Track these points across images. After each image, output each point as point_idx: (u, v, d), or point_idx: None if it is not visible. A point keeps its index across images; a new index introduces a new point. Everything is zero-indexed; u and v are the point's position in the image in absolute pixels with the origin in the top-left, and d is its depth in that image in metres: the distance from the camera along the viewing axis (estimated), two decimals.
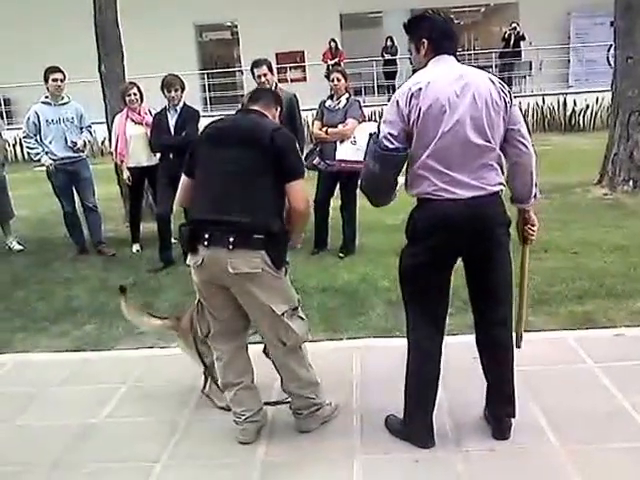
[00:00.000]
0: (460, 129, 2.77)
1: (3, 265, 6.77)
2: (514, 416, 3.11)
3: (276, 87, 6.40)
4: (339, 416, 3.35)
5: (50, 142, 6.60)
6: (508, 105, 2.86)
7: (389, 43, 17.90)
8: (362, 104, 6.29)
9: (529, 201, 3.05)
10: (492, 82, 2.86)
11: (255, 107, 3.10)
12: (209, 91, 17.36)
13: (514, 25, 17.78)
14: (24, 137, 6.79)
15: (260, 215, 2.85)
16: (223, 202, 2.89)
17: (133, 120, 6.63)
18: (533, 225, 3.14)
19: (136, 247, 6.94)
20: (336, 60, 16.81)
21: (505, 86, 2.90)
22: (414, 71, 2.99)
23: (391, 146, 2.82)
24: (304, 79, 18.50)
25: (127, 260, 6.65)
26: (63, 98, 6.73)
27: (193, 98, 16.14)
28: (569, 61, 18.50)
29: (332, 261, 6.13)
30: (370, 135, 3.06)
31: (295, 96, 6.43)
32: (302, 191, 2.98)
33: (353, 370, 3.89)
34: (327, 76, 6.23)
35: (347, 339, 4.43)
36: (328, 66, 15.84)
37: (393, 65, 18.04)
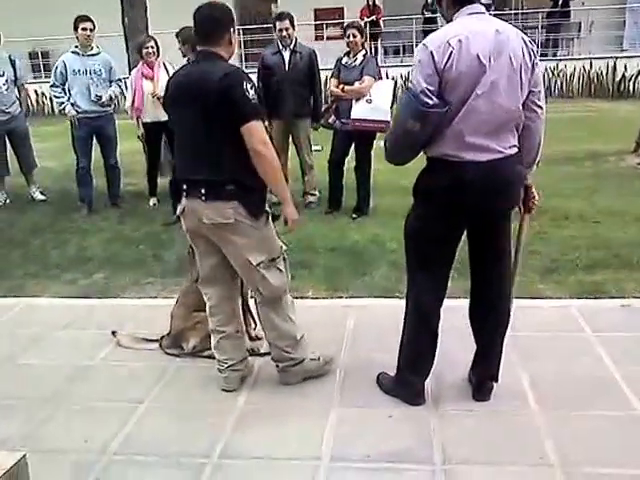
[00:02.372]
0: (494, 94, 2.62)
1: (24, 214, 6.95)
2: (497, 380, 3.10)
3: (296, 42, 6.36)
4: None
5: (75, 93, 6.59)
6: (535, 65, 2.72)
7: (429, 0, 17.41)
8: (400, 63, 6.18)
9: (532, 167, 2.95)
10: (524, 40, 2.71)
11: (206, 47, 2.94)
12: (245, 47, 17.23)
13: None
14: (51, 86, 6.77)
15: (228, 168, 2.86)
16: (190, 162, 2.96)
17: (144, 75, 6.62)
18: (533, 195, 3.03)
19: (153, 201, 7.00)
20: (373, 18, 16.44)
21: (533, 45, 2.76)
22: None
23: (431, 102, 2.61)
24: (342, 37, 18.17)
25: (143, 213, 6.74)
26: (92, 49, 6.70)
27: None
28: (624, 23, 17.58)
29: (345, 221, 6.12)
30: (407, 89, 2.80)
31: (314, 52, 6.40)
32: (257, 131, 2.83)
33: (346, 327, 3.91)
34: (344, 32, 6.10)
35: (347, 297, 4.44)
36: (365, 23, 15.55)
37: (434, 24, 17.56)
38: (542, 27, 17.20)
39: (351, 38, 5.89)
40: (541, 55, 16.66)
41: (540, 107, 2.79)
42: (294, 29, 6.32)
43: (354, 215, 6.18)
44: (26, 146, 7.43)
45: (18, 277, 5.08)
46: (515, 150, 2.80)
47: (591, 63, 15.49)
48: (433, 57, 2.60)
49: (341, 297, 4.46)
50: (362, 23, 6.97)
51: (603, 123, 11.10)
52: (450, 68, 2.59)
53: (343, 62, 6.05)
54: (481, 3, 2.76)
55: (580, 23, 17.32)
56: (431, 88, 2.61)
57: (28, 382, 3.44)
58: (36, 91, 16.43)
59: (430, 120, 2.64)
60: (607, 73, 15.44)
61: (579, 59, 16.11)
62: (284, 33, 6.24)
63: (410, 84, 2.73)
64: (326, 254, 5.26)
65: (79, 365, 3.57)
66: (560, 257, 4.98)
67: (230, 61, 3.01)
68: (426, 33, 17.40)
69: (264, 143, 2.86)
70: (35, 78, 17.13)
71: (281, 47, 6.35)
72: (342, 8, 18.25)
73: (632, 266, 4.74)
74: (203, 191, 2.87)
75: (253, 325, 3.70)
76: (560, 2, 17.04)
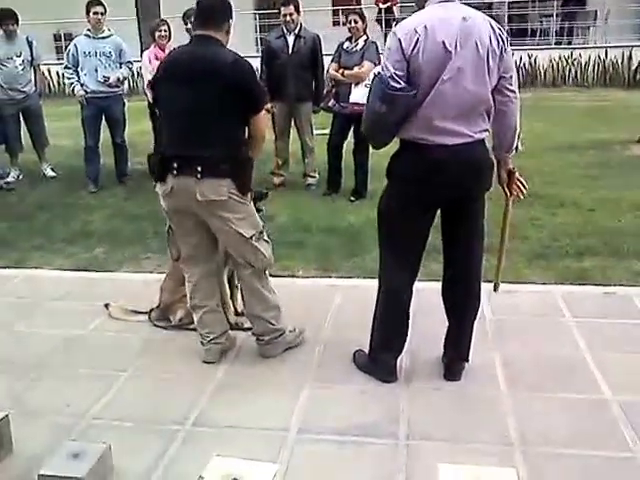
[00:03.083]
0: (461, 79, 2.70)
1: (34, 189, 7.14)
2: (467, 360, 3.18)
3: (301, 27, 6.43)
4: (302, 346, 3.49)
5: (85, 74, 6.79)
6: (504, 52, 2.78)
7: None
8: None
9: (509, 151, 3.01)
10: (492, 27, 2.77)
11: (209, 32, 3.05)
12: (262, 32, 17.23)
13: None
14: (64, 67, 7.01)
15: (225, 147, 2.98)
16: (189, 138, 3.01)
17: (157, 57, 6.72)
18: (519, 180, 3.08)
19: None
20: (388, 4, 16.37)
21: (503, 31, 2.82)
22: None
23: (398, 86, 2.71)
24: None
25: (149, 192, 6.81)
26: (104, 32, 6.89)
27: (247, 39, 16.12)
28: None
29: (342, 204, 6.21)
30: (375, 75, 2.93)
31: (318, 37, 6.49)
32: (264, 120, 3.14)
33: (332, 305, 4.01)
34: (345, 18, 6.18)
35: (336, 277, 4.54)
36: (380, 10, 15.51)
37: None
38: (557, 15, 17.02)
39: (352, 24, 5.97)
40: (556, 43, 16.55)
41: (512, 91, 2.86)
42: (299, 14, 6.41)
43: (352, 198, 6.27)
44: (39, 124, 7.62)
45: (23, 249, 5.24)
46: (486, 135, 2.87)
47: (606, 52, 15.25)
48: (401, 44, 2.70)
49: (330, 277, 4.56)
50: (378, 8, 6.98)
51: (615, 112, 11.01)
52: (417, 54, 2.68)
53: (344, 47, 6.13)
54: None
55: (596, 11, 17.09)
56: (399, 73, 2.71)
57: (19, 348, 3.59)
58: (58, 72, 16.63)
59: (397, 103, 2.73)
60: (623, 62, 15.21)
61: (594, 47, 15.89)
62: (288, 18, 6.33)
63: (381, 69, 2.82)
64: (320, 235, 5.36)
65: (70, 334, 3.72)
66: (551, 243, 5.04)
67: (246, 46, 3.16)
68: None
69: (266, 129, 3.18)
70: (59, 59, 17.30)
71: (285, 32, 6.45)
72: None
73: (621, 254, 4.78)
74: (199, 168, 2.94)
75: (240, 300, 3.81)
76: None
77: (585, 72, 15.32)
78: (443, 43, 2.66)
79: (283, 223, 5.68)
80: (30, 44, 7.33)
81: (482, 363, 3.27)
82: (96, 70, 6.77)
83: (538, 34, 18.14)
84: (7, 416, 2.37)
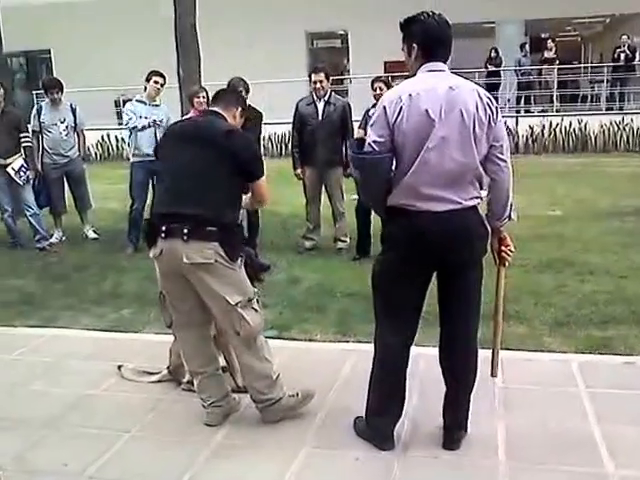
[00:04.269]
0: (445, 147, 2.74)
1: (74, 251, 7.43)
2: (465, 429, 3.13)
3: (331, 94, 6.63)
4: (305, 410, 3.47)
5: (140, 138, 7.07)
6: (493, 121, 2.81)
7: (493, 54, 17.65)
8: None
9: (501, 220, 3.01)
10: (479, 96, 2.80)
11: (215, 108, 3.32)
12: None
13: (625, 41, 16.73)
14: (129, 129, 7.26)
15: (213, 208, 3.05)
16: (179, 196, 3.11)
17: None
18: (507, 246, 3.09)
19: None
20: None
21: (492, 101, 2.85)
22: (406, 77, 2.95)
23: (369, 150, 2.79)
24: None
25: None
26: (156, 100, 7.30)
27: None
28: None
29: (369, 268, 6.18)
30: (354, 141, 3.04)
31: (348, 104, 6.64)
32: (264, 185, 3.24)
33: (342, 371, 4.01)
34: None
35: (353, 342, 4.54)
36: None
37: (497, 77, 17.69)
38: (608, 80, 17.04)
39: (378, 91, 6.12)
40: (607, 109, 16.48)
41: (503, 160, 2.87)
42: (328, 81, 6.62)
43: None
44: (82, 187, 7.99)
45: (54, 309, 5.43)
46: (477, 202, 2.89)
47: None
48: (386, 111, 2.77)
49: (347, 341, 4.57)
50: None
51: None
52: (401, 122, 2.74)
53: (370, 113, 6.25)
54: (444, 62, 2.90)
55: None
56: (380, 140, 2.77)
57: (31, 407, 3.69)
58: (117, 137, 17.47)
59: (366, 167, 2.82)
60: None
61: None
62: (318, 85, 6.55)
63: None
64: (343, 299, 5.39)
65: (82, 394, 3.82)
66: (575, 311, 4.94)
67: None
68: (489, 86, 17.57)
69: (268, 193, 3.36)
70: (119, 124, 18.16)
71: (315, 98, 6.66)
72: None
73: None
74: (185, 230, 3.00)
75: None
76: (625, 57, 16.74)
77: (636, 138, 15.17)
78: (427, 111, 2.71)
79: (308, 287, 5.75)
80: (74, 111, 7.76)
81: (484, 432, 3.22)
82: (151, 135, 7.04)
83: (589, 99, 18.15)
84: None
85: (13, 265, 6.86)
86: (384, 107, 2.78)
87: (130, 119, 7.10)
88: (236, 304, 3.12)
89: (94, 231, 8.04)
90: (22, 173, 7.29)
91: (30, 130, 7.54)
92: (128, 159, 7.69)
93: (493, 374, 3.28)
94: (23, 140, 7.36)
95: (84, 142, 8.05)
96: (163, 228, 3.08)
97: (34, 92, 18.65)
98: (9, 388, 3.94)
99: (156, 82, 7.17)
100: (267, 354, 3.30)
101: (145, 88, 7.24)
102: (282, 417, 3.39)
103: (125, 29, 19.33)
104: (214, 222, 3.03)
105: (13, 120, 7.38)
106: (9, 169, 7.23)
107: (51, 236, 7.75)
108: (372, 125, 2.85)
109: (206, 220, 3.02)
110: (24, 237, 7.65)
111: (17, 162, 7.27)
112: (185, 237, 3.01)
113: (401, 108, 2.73)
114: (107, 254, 7.17)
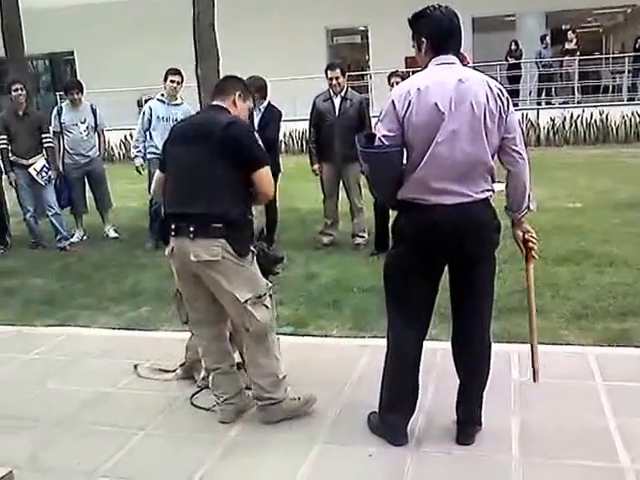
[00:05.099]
0: (456, 140, 2.72)
1: (95, 250, 7.50)
2: (479, 424, 3.12)
3: (347, 90, 6.62)
4: (319, 406, 3.47)
5: (156, 137, 7.11)
6: (504, 112, 2.79)
7: (513, 47, 17.51)
8: None
9: (520, 211, 2.99)
10: (490, 87, 2.78)
11: (215, 102, 3.30)
12: None
13: None
14: (137, 132, 7.42)
15: (217, 205, 3.05)
16: (184, 196, 3.13)
17: None
18: (531, 236, 3.05)
19: None
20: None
21: (503, 91, 2.82)
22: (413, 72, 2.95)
23: (379, 144, 2.78)
24: None
25: None
26: (177, 99, 7.30)
27: None
28: None
29: None
30: (362, 136, 2.99)
31: (365, 100, 6.64)
32: (268, 176, 3.17)
33: (357, 367, 4.00)
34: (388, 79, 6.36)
35: (369, 337, 4.53)
36: None
37: (518, 69, 17.52)
38: (629, 71, 16.75)
39: (395, 86, 6.05)
40: (628, 99, 16.24)
41: (517, 152, 2.85)
42: (344, 78, 6.60)
43: None
44: (102, 187, 8.08)
45: (73, 307, 5.49)
46: (489, 194, 2.86)
47: None
48: (395, 106, 2.76)
49: (364, 337, 4.56)
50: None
51: None
52: (410, 116, 2.73)
53: None
54: (455, 54, 2.87)
55: None
56: (389, 134, 2.77)
57: (46, 405, 3.74)
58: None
59: (377, 160, 2.80)
60: None
61: None
62: (334, 82, 6.53)
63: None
64: (359, 295, 5.38)
65: (98, 392, 3.86)
66: (593, 303, 4.87)
67: None
68: (510, 79, 17.45)
69: (271, 185, 3.23)
70: None
71: (332, 94, 6.64)
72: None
73: None
74: (192, 228, 3.03)
75: None
76: None
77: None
78: (436, 105, 2.70)
79: (325, 283, 5.75)
80: (94, 111, 7.85)
81: (499, 427, 3.20)
82: (166, 130, 7.08)
83: (610, 90, 17.90)
84: (11, 472, 2.48)
85: (34, 265, 6.94)
86: (393, 101, 2.78)
87: (143, 123, 7.28)
88: (245, 301, 3.13)
89: (115, 230, 8.11)
90: (44, 173, 7.39)
91: (51, 131, 7.62)
92: (130, 158, 7.76)
93: (535, 379, 3.20)
94: (45, 141, 7.45)
95: (104, 142, 8.14)
96: (173, 226, 3.12)
97: (58, 94, 18.84)
98: (25, 387, 3.98)
99: (172, 81, 7.20)
100: (276, 352, 3.30)
101: (165, 87, 7.28)
102: (281, 419, 3.36)
103: (148, 29, 19.45)
104: (219, 219, 3.03)
105: (35, 121, 7.47)
106: (31, 169, 7.33)
107: (72, 236, 7.84)
108: (382, 119, 2.84)
109: (211, 217, 3.03)
110: (45, 237, 7.73)
111: (39, 162, 7.37)
112: (192, 235, 3.04)
113: (410, 102, 2.72)
114: (127, 252, 7.22)
